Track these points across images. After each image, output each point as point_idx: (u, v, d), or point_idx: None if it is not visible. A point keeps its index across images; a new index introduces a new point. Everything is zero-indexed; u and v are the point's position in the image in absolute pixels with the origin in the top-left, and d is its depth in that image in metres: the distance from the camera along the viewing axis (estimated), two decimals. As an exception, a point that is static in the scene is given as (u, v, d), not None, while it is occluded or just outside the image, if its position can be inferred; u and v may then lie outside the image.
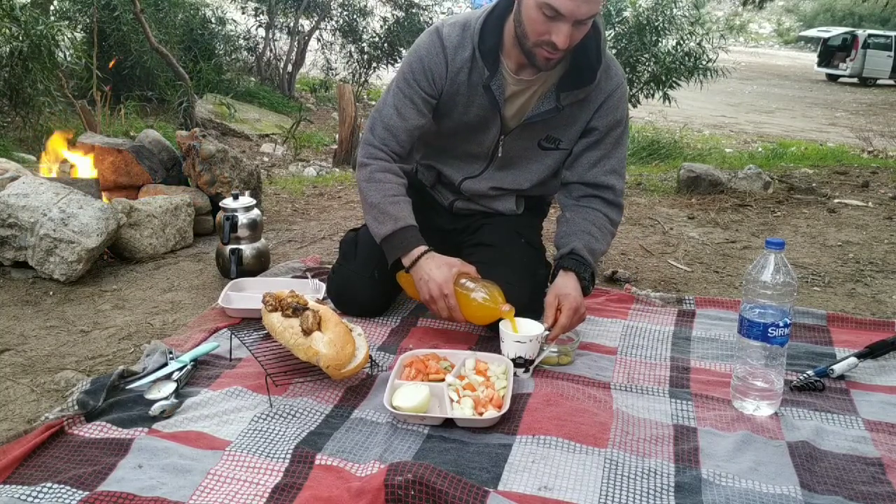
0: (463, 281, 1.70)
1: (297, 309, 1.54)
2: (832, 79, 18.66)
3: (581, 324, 1.71)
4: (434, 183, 2.02)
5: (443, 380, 1.49)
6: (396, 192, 1.78)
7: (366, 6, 10.83)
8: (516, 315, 1.67)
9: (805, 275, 2.43)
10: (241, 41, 10.41)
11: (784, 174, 4.18)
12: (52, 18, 6.83)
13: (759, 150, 7.51)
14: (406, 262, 1.74)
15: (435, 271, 1.68)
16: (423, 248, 1.73)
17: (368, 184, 1.78)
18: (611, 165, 1.82)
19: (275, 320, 1.56)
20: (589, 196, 1.83)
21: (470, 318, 1.70)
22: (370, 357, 1.58)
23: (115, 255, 2.43)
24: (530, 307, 1.74)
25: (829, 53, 18.79)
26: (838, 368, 1.63)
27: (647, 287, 2.25)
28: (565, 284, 1.69)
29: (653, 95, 8.37)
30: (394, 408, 1.40)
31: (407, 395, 1.42)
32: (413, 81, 1.76)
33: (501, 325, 1.63)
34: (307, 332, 1.49)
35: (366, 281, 1.88)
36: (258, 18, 10.37)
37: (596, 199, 1.82)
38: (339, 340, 1.48)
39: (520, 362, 1.59)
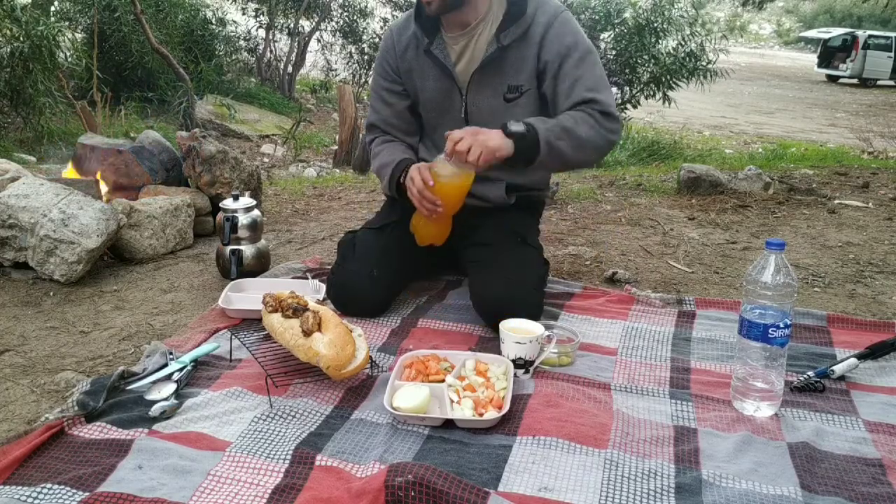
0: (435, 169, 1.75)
1: (297, 310, 1.54)
2: (832, 80, 18.67)
3: (574, 323, 1.70)
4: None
5: (443, 381, 1.49)
6: (392, 148, 1.98)
7: (366, 7, 10.84)
8: (517, 316, 1.67)
9: (805, 276, 2.43)
10: (242, 42, 10.43)
11: (784, 175, 4.18)
12: (53, 19, 6.83)
13: (760, 150, 7.52)
14: (403, 180, 1.85)
15: (413, 169, 1.78)
16: (408, 162, 1.88)
17: (374, 159, 2.02)
18: (589, 84, 1.79)
19: (275, 321, 1.56)
20: (579, 107, 1.79)
21: (444, 197, 1.74)
22: (370, 358, 1.58)
23: (115, 256, 2.43)
24: (528, 304, 1.74)
25: (830, 54, 18.80)
26: (839, 369, 1.63)
27: (647, 288, 2.25)
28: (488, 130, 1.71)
29: (653, 96, 8.37)
30: (394, 409, 1.40)
31: (407, 396, 1.42)
32: (378, 76, 2.01)
33: (501, 325, 1.63)
34: (307, 333, 1.49)
35: (365, 280, 1.89)
36: (258, 19, 10.38)
37: (587, 108, 1.78)
38: (340, 341, 1.48)
39: (520, 363, 1.59)
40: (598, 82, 1.81)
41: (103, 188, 2.74)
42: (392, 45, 1.95)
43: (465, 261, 2.00)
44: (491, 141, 1.67)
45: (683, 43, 8.21)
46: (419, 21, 1.87)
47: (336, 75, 11.06)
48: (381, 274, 1.89)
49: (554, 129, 1.72)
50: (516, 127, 1.70)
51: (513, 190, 1.99)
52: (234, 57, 10.17)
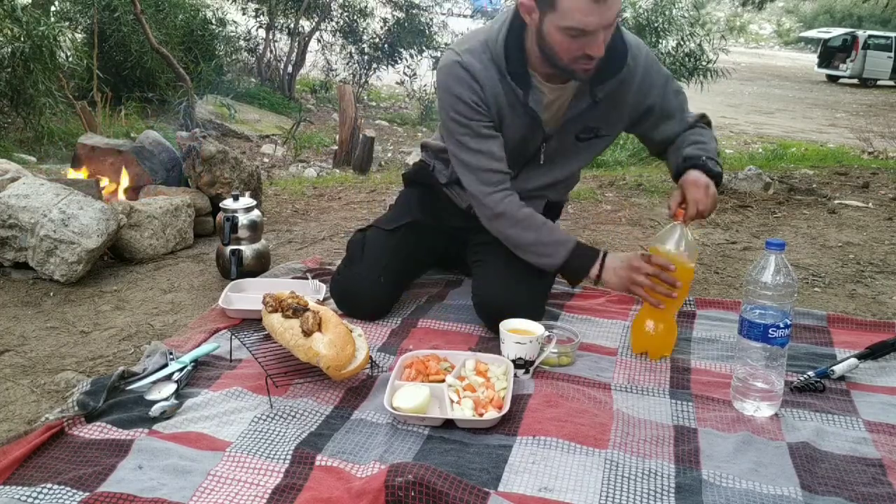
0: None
1: (297, 310, 1.54)
2: (832, 80, 18.66)
3: (574, 323, 1.69)
4: (454, 183, 1.96)
5: (443, 381, 1.49)
6: (541, 219, 1.76)
7: (366, 7, 10.84)
8: (518, 317, 1.67)
9: (805, 276, 2.43)
10: (242, 42, 10.43)
11: (784, 175, 4.18)
12: (53, 19, 6.83)
13: (760, 150, 7.51)
14: (593, 274, 1.72)
15: (634, 258, 1.66)
16: (599, 253, 1.72)
17: (515, 228, 1.74)
18: (685, 108, 1.86)
19: (275, 321, 1.56)
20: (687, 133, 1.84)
21: (683, 275, 1.64)
22: (371, 358, 1.58)
23: (115, 256, 2.43)
24: (531, 310, 1.74)
25: (830, 54, 18.79)
26: (839, 369, 1.63)
27: (647, 288, 2.25)
28: (689, 174, 1.67)
29: (653, 96, 8.32)
30: (394, 409, 1.40)
31: (407, 396, 1.42)
32: (466, 120, 1.71)
33: (501, 325, 1.63)
34: (307, 333, 1.49)
35: (372, 285, 1.87)
36: (258, 19, 10.38)
37: (697, 125, 1.85)
38: (340, 341, 1.48)
39: (520, 363, 1.59)
40: (685, 102, 1.87)
41: (110, 186, 2.75)
42: (480, 90, 1.70)
43: (470, 259, 1.98)
44: (713, 187, 1.66)
45: (683, 43, 8.21)
46: (511, 70, 1.68)
47: (336, 75, 11.06)
48: (388, 280, 1.88)
49: (706, 151, 1.75)
50: (717, 168, 1.71)
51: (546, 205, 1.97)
52: (234, 57, 10.17)
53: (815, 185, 3.87)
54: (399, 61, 10.66)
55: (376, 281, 1.87)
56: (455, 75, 1.70)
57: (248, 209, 2.25)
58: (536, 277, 1.83)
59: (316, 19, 10.54)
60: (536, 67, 1.70)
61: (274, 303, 1.60)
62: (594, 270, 1.71)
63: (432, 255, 2.07)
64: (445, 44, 10.34)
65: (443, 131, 1.83)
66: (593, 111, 1.75)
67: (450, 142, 1.78)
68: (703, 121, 1.87)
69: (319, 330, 1.50)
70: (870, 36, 18.22)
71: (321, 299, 1.96)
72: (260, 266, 2.27)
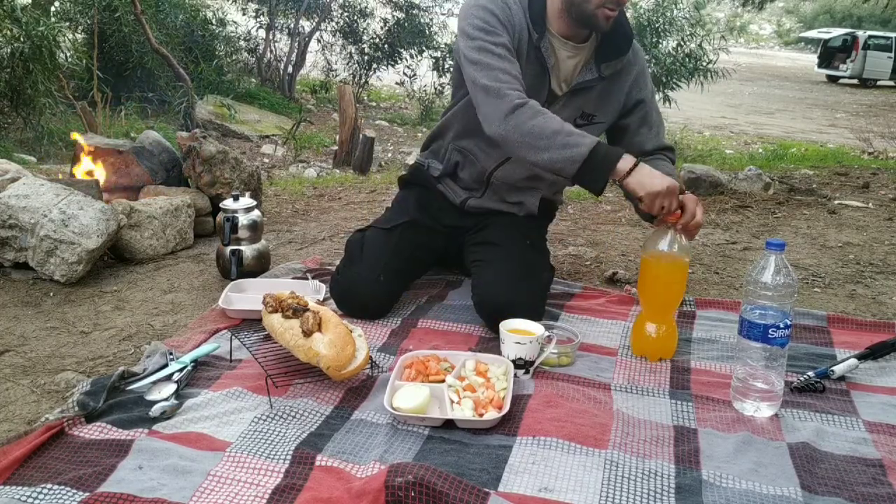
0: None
1: (297, 310, 1.54)
2: (832, 80, 18.67)
3: (574, 323, 1.72)
4: (446, 176, 1.99)
5: (443, 381, 1.49)
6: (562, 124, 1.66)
7: (366, 7, 10.84)
8: (518, 316, 1.67)
9: (805, 276, 2.43)
10: (242, 42, 10.44)
11: (784, 175, 4.18)
12: (53, 19, 6.84)
13: (760, 151, 7.51)
14: (625, 167, 1.60)
15: (657, 177, 1.60)
16: (631, 156, 1.62)
17: (537, 118, 1.63)
18: (662, 132, 1.94)
19: (275, 321, 1.56)
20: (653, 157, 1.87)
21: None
22: (371, 358, 1.58)
23: (115, 257, 2.43)
24: (531, 309, 1.74)
25: (830, 54, 18.80)
26: (839, 370, 1.63)
27: (647, 288, 2.25)
28: (656, 168, 1.65)
29: (653, 97, 8.31)
30: (394, 409, 1.40)
31: (407, 396, 1.42)
32: (490, 28, 1.69)
33: (502, 326, 1.63)
34: (307, 334, 1.49)
35: (372, 284, 1.88)
36: (258, 20, 10.39)
37: (663, 154, 1.91)
38: (340, 341, 1.48)
39: (520, 363, 1.59)
40: (663, 127, 1.97)
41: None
42: (508, 12, 1.72)
43: (469, 259, 1.99)
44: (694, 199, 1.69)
45: (683, 43, 8.21)
46: (531, 12, 1.74)
47: (336, 75, 11.07)
48: (387, 279, 1.88)
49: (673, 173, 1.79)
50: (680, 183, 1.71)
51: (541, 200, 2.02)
52: (234, 57, 10.18)
53: (815, 186, 3.87)
54: (399, 61, 10.66)
55: (376, 280, 1.87)
56: (494, 2, 1.72)
57: (248, 209, 2.25)
58: (536, 276, 1.84)
59: (316, 19, 10.55)
60: (553, 23, 1.77)
61: (274, 303, 1.60)
62: (625, 163, 1.60)
63: (431, 254, 2.07)
64: (445, 44, 10.34)
65: (457, 57, 1.78)
66: (592, 91, 1.83)
67: (469, 51, 1.70)
68: (672, 153, 1.94)
69: (319, 330, 1.50)
70: (870, 36, 18.22)
71: (321, 299, 1.96)
72: (260, 266, 2.27)
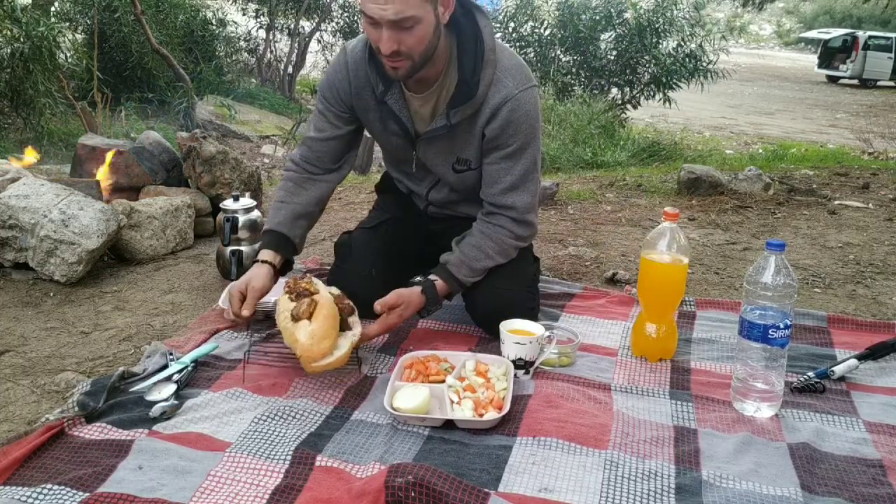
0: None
1: (300, 294, 1.55)
2: (832, 80, 18.66)
3: (574, 324, 1.73)
4: (407, 190, 2.03)
5: (443, 381, 1.49)
6: (283, 198, 1.86)
7: (366, 8, 10.80)
8: (515, 317, 1.67)
9: (805, 276, 2.43)
10: (242, 43, 10.43)
11: (784, 176, 4.18)
12: (53, 20, 6.83)
13: (760, 151, 7.51)
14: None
15: (248, 273, 1.72)
16: (265, 255, 1.77)
17: (276, 190, 1.91)
18: (510, 182, 1.74)
19: (282, 301, 1.58)
20: (495, 213, 1.78)
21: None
22: (358, 359, 1.60)
23: (115, 257, 2.43)
24: (521, 305, 1.74)
25: (830, 55, 18.79)
26: (839, 370, 1.63)
27: (647, 288, 2.25)
28: (411, 294, 1.71)
29: (653, 97, 8.35)
30: (394, 409, 1.40)
31: (407, 397, 1.42)
32: (323, 98, 1.83)
33: (501, 326, 1.63)
34: (295, 319, 1.49)
35: (363, 279, 1.88)
36: (259, 20, 10.39)
37: (501, 217, 1.77)
38: (320, 334, 1.48)
39: (520, 364, 1.59)
40: (522, 181, 1.75)
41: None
42: (347, 79, 1.76)
43: None
44: (410, 310, 1.71)
45: (683, 44, 8.21)
46: (373, 64, 1.71)
47: (336, 76, 11.05)
48: (378, 273, 1.89)
49: (462, 270, 1.75)
50: (455, 286, 1.76)
51: None
52: (234, 57, 10.17)
53: (815, 186, 3.87)
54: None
55: (368, 275, 1.88)
56: (337, 59, 1.81)
57: (249, 210, 2.25)
58: (520, 272, 1.83)
59: (316, 20, 10.54)
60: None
61: (292, 284, 1.61)
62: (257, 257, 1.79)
63: (417, 247, 2.08)
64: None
65: None
66: (456, 137, 1.74)
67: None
68: (507, 213, 1.76)
69: (309, 318, 1.50)
70: (870, 37, 18.22)
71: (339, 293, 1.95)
72: (260, 266, 2.27)
